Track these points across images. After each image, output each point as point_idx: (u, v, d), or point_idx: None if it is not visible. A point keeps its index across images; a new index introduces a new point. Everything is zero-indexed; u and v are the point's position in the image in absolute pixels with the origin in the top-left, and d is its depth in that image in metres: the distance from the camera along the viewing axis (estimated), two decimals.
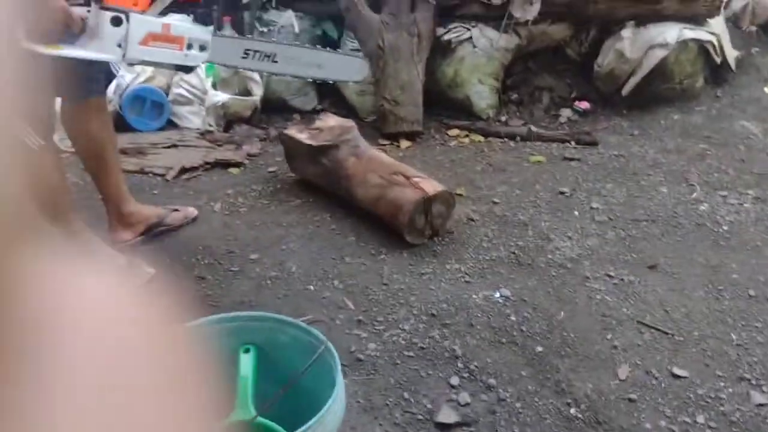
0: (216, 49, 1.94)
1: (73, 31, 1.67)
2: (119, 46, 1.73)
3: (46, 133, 1.82)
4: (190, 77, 3.30)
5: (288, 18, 3.50)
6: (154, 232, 2.34)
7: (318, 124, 2.64)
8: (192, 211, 2.48)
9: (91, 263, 0.31)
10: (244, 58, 2.07)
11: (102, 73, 2.05)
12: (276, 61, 2.13)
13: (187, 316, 0.33)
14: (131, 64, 1.84)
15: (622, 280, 2.13)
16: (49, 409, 0.24)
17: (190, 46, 1.85)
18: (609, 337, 1.89)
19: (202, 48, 1.88)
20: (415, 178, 2.35)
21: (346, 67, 2.36)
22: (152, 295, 0.31)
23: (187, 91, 3.28)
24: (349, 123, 2.64)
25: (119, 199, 2.24)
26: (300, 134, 2.58)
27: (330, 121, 2.65)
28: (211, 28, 1.95)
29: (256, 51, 2.08)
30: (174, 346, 0.31)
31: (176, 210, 2.43)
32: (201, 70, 3.31)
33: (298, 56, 2.19)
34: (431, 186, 2.30)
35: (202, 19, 1.90)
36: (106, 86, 2.18)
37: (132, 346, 0.29)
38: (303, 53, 2.22)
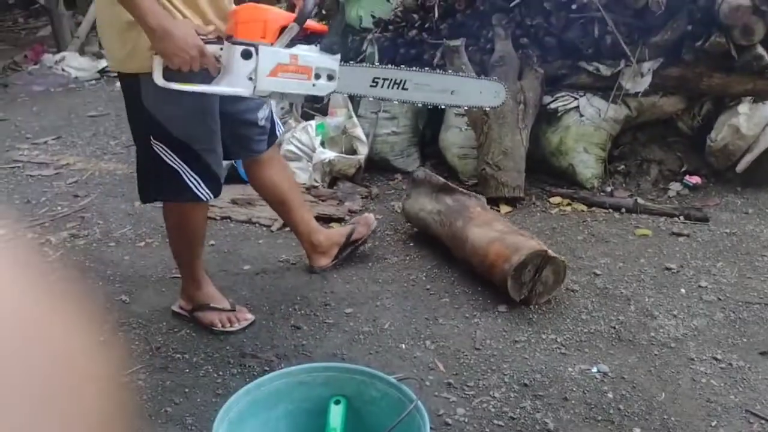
0: (344, 78, 1.92)
1: (209, 71, 1.77)
2: (250, 79, 1.77)
3: None
4: (300, 135, 3.46)
5: None
6: (347, 252, 2.53)
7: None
8: (371, 219, 2.62)
9: None
10: (372, 86, 2.03)
11: (266, 131, 2.23)
12: (406, 89, 2.07)
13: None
14: (262, 96, 1.88)
15: (730, 364, 2.01)
16: None
17: (318, 76, 1.85)
18: (713, 424, 1.77)
19: (330, 77, 1.88)
20: (535, 240, 2.37)
21: (481, 92, 2.24)
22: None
23: (297, 147, 3.43)
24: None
25: (309, 231, 2.45)
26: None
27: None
28: (338, 56, 1.91)
29: (385, 79, 2.03)
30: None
31: (354, 224, 2.60)
32: (311, 129, 3.47)
33: (430, 82, 2.11)
34: (551, 250, 2.30)
35: (328, 49, 1.90)
36: (272, 137, 2.30)
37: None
38: (434, 79, 2.15)
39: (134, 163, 3.82)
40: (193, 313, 2.21)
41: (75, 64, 6.10)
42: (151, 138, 1.91)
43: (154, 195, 2.04)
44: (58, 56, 6.27)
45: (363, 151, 3.46)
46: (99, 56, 6.42)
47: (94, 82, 5.84)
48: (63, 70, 6.04)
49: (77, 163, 3.79)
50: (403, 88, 2.07)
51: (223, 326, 2.18)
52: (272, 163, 2.32)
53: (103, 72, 6.01)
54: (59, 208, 3.17)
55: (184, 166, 1.94)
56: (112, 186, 3.45)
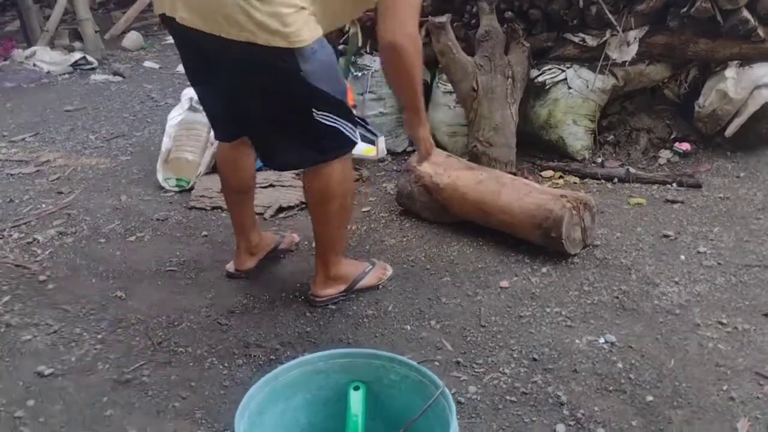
0: None
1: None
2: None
3: None
4: None
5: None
6: (270, 257, 2.51)
7: None
8: (296, 239, 2.65)
9: None
10: None
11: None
12: None
13: None
14: None
15: (735, 328, 2.01)
16: None
17: None
18: (725, 388, 1.78)
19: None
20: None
21: None
22: None
23: None
24: None
25: (252, 228, 2.42)
26: None
27: None
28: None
29: None
30: None
31: (284, 236, 2.63)
32: None
33: None
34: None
35: None
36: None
37: None
38: None
39: (116, 157, 3.76)
40: (352, 289, 2.24)
41: (46, 58, 5.96)
42: (313, 110, 1.93)
43: (321, 157, 2.02)
44: (28, 51, 6.12)
45: None
46: (70, 49, 6.28)
47: (67, 76, 5.71)
48: (34, 65, 5.90)
49: (58, 160, 3.70)
50: None
51: (382, 279, 2.32)
52: (247, 145, 2.26)
53: (75, 65, 5.88)
54: (44, 205, 3.09)
55: (342, 121, 2.00)
56: (96, 181, 3.38)
